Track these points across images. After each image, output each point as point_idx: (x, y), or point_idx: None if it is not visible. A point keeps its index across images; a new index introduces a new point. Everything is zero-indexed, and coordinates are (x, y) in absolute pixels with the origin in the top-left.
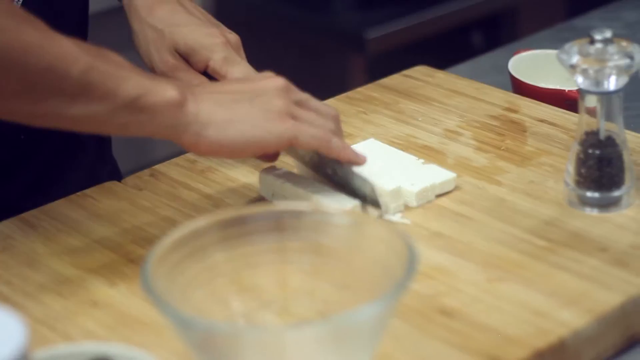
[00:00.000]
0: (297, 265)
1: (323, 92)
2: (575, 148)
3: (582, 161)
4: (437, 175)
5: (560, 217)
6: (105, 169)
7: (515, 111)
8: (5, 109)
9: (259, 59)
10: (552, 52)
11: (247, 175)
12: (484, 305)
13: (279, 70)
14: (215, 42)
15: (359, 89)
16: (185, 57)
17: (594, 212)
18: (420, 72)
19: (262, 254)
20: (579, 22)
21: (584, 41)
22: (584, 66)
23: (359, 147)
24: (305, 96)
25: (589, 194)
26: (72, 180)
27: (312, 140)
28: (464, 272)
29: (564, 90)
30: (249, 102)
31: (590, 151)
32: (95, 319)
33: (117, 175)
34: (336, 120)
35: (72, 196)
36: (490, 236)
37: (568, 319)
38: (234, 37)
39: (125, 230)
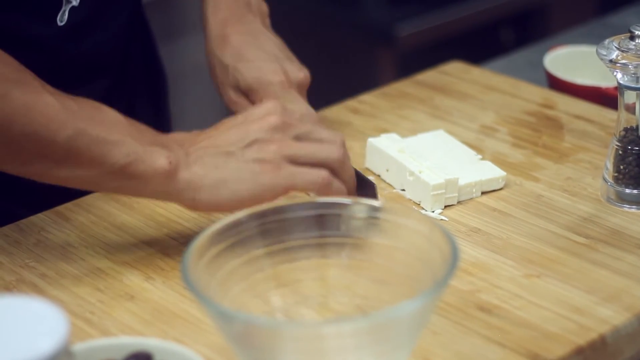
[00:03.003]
0: (337, 260)
1: (352, 88)
2: (614, 144)
3: (621, 157)
4: (486, 172)
5: (598, 213)
6: None
7: (551, 107)
8: None
9: None
10: (587, 49)
11: None
12: (522, 301)
13: (308, 66)
14: (273, 80)
15: (394, 85)
16: (245, 94)
17: (632, 209)
18: (455, 68)
19: (301, 248)
20: (613, 18)
21: (624, 37)
22: (624, 62)
23: (426, 136)
24: (305, 128)
25: (627, 190)
26: None
27: (310, 185)
28: (502, 268)
29: (600, 87)
30: (241, 154)
31: (629, 147)
32: (132, 312)
33: None
34: (341, 146)
35: None
36: (528, 232)
37: (608, 316)
38: (298, 74)
39: (160, 223)
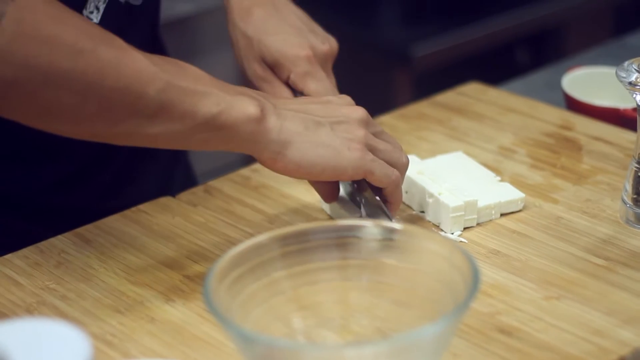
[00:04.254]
0: (357, 282)
1: (369, 108)
2: (633, 166)
3: None
4: (505, 194)
5: (617, 235)
6: (179, 172)
7: (569, 129)
8: (85, 131)
9: None
10: (605, 70)
11: (301, 192)
12: (542, 323)
13: None
14: (299, 54)
15: (412, 106)
16: (271, 68)
17: None
18: (473, 89)
19: (322, 271)
20: (630, 39)
21: None
22: None
23: (445, 158)
24: (380, 129)
25: None
26: (147, 183)
27: (384, 178)
28: (522, 290)
29: (619, 108)
30: (331, 128)
31: None
32: (153, 335)
33: (191, 178)
34: (405, 155)
35: (127, 211)
36: (548, 254)
37: (628, 338)
38: (323, 47)
39: (180, 245)
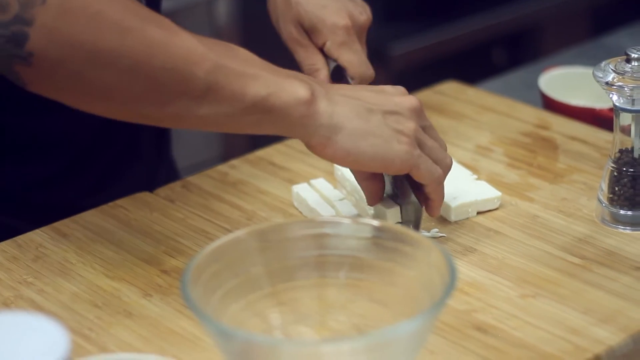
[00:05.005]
0: (335, 279)
1: None
2: (609, 166)
3: (616, 179)
4: (482, 192)
5: (593, 234)
6: (163, 168)
7: (546, 128)
8: (133, 112)
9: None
10: (582, 70)
11: (279, 188)
12: (518, 321)
13: None
14: (338, 23)
15: None
16: (308, 33)
17: (627, 230)
18: (451, 88)
19: (300, 267)
20: (607, 39)
21: (620, 59)
22: (620, 84)
23: None
24: (429, 123)
25: (622, 211)
26: (131, 180)
27: (428, 175)
28: (498, 288)
29: (595, 108)
30: (382, 116)
31: (624, 169)
32: (130, 329)
33: (173, 174)
34: (449, 156)
35: (104, 206)
36: (524, 252)
37: (603, 337)
38: (361, 17)
39: (158, 241)
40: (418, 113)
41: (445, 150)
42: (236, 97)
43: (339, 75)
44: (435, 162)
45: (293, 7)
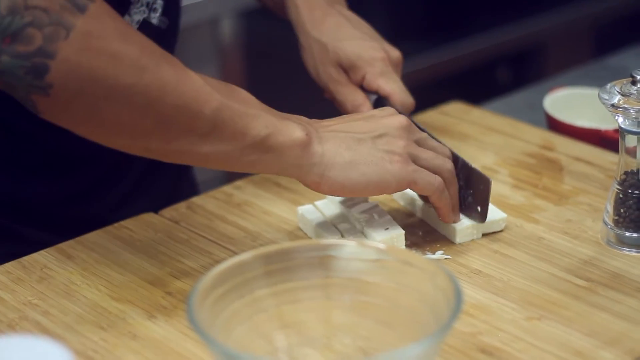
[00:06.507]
0: (340, 301)
1: None
2: (615, 187)
3: (622, 201)
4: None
5: (598, 256)
6: (185, 184)
7: (551, 149)
8: (140, 146)
9: (288, 91)
10: (587, 91)
11: (284, 209)
12: (523, 344)
13: (306, 103)
14: (375, 56)
15: None
16: (346, 71)
17: (632, 252)
18: (455, 109)
19: (305, 289)
20: (611, 60)
21: (625, 81)
22: (625, 106)
23: None
24: (423, 135)
25: (627, 233)
26: (156, 195)
27: (428, 187)
28: (503, 310)
29: (600, 129)
30: (372, 142)
31: (629, 191)
32: (135, 351)
33: (195, 191)
34: (451, 159)
35: (109, 227)
36: (529, 274)
37: (609, 359)
38: (395, 53)
39: (162, 262)
40: (407, 129)
41: (447, 155)
42: (238, 135)
43: (381, 107)
44: (434, 171)
45: (331, 51)
